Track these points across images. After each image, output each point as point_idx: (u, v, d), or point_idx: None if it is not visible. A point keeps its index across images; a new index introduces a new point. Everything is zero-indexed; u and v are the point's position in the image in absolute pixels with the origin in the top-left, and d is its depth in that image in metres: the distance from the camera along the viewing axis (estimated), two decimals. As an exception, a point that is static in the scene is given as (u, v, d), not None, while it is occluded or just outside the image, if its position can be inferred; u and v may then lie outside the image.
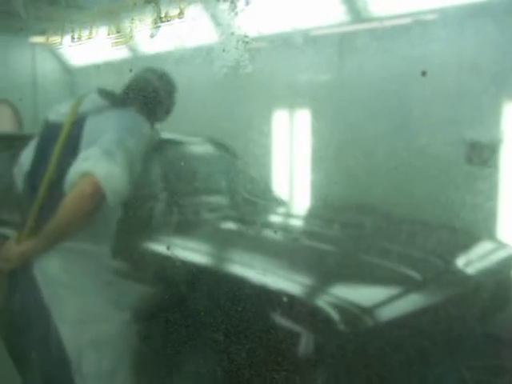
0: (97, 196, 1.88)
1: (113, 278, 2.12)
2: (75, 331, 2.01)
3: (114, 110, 2.12)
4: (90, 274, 2.05)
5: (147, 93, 2.20)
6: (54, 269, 2.02)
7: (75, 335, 2.01)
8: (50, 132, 2.15)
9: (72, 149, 2.01)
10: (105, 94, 2.17)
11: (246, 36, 2.19)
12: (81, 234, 1.99)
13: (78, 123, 2.07)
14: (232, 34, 2.20)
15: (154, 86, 2.22)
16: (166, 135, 2.51)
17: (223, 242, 2.60)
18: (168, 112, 2.29)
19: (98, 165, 1.89)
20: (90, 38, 3.90)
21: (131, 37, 3.36)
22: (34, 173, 2.12)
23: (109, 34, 3.70)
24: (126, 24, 3.24)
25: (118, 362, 2.06)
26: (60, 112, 2.16)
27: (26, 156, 2.21)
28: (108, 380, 2.05)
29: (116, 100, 2.16)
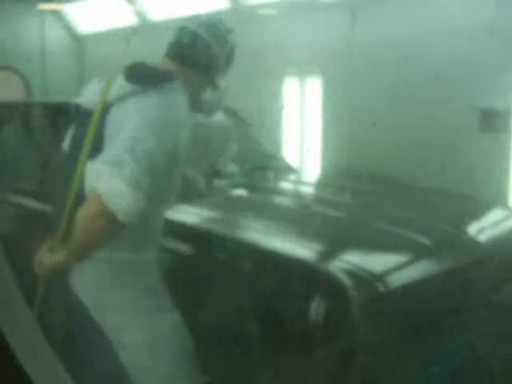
0: (105, 217, 1.62)
1: (155, 285, 1.87)
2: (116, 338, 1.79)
3: (140, 97, 1.71)
4: (130, 283, 1.82)
5: (196, 50, 1.78)
6: (91, 280, 1.80)
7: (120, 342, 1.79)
8: (82, 119, 1.82)
9: (98, 146, 1.72)
10: (135, 73, 1.75)
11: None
12: (118, 243, 1.73)
13: (104, 113, 1.74)
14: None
15: (214, 51, 1.81)
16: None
17: (234, 208, 2.60)
18: (228, 66, 1.89)
19: (102, 180, 1.62)
20: None
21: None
22: (69, 163, 1.83)
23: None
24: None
25: (174, 364, 1.85)
26: (89, 98, 1.81)
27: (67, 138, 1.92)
28: None
29: (147, 81, 1.73)
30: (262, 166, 3.16)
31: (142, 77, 1.73)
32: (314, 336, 1.88)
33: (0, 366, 0.78)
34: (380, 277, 2.03)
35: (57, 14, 6.31)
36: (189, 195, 2.24)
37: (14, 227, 2.78)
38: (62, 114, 2.23)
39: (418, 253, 2.23)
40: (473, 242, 2.40)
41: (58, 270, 1.80)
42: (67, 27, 6.40)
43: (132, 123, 1.67)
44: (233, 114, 3.22)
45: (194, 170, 2.27)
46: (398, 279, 2.06)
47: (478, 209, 2.76)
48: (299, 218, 2.49)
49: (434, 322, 2.00)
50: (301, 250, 2.15)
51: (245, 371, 1.94)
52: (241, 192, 2.81)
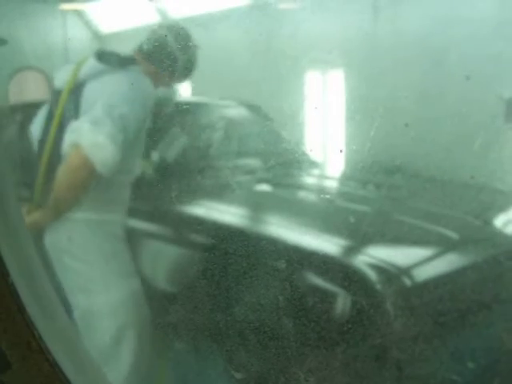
0: (85, 167, 1.85)
1: (121, 247, 2.08)
2: (83, 300, 1.98)
3: (111, 74, 2.02)
4: (98, 243, 2.03)
5: (160, 51, 2.09)
6: (61, 239, 2.01)
7: (83, 304, 1.97)
8: (55, 99, 2.12)
9: (71, 118, 1.99)
10: (103, 56, 2.06)
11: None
12: (88, 203, 1.98)
13: (76, 90, 2.02)
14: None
15: (168, 44, 2.08)
16: (199, 99, 2.50)
17: (258, 204, 2.60)
18: (187, 71, 2.14)
19: (84, 135, 1.87)
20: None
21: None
22: (44, 141, 2.12)
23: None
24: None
25: (125, 330, 2.04)
26: (62, 78, 2.10)
27: (37, 124, 2.20)
28: (113, 348, 2.03)
29: (116, 62, 2.05)
30: (285, 161, 3.16)
31: (111, 59, 2.04)
32: (343, 331, 1.88)
33: (35, 360, 0.79)
34: (406, 271, 2.02)
35: (79, 14, 6.36)
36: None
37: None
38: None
39: (444, 246, 2.21)
40: (500, 235, 2.37)
41: (34, 229, 1.98)
42: (89, 26, 6.44)
43: (107, 94, 1.95)
44: (255, 109, 3.22)
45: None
46: (425, 273, 2.05)
47: (505, 201, 2.73)
48: (324, 213, 2.48)
49: (459, 316, 1.99)
50: (326, 244, 2.14)
51: (279, 368, 1.95)
52: (264, 187, 2.81)
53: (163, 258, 2.37)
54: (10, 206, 0.89)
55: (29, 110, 3.50)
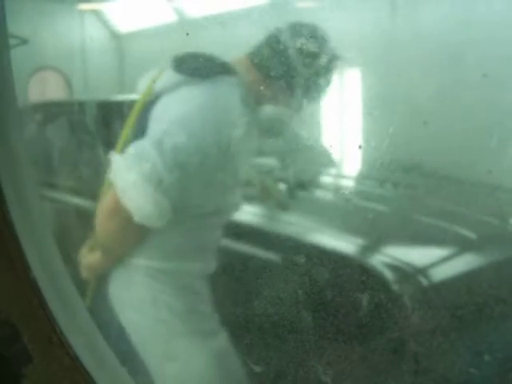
0: (118, 213, 1.46)
1: (200, 300, 1.70)
2: (163, 366, 1.63)
3: (188, 86, 1.53)
4: (168, 298, 1.62)
5: (279, 58, 1.53)
6: (123, 290, 1.63)
7: (166, 371, 1.62)
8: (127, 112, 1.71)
9: (137, 138, 1.57)
10: (183, 63, 1.57)
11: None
12: (153, 249, 1.58)
13: (150, 103, 1.58)
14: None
15: (296, 70, 1.51)
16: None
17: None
18: (315, 90, 1.58)
19: (119, 171, 1.45)
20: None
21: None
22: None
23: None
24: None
25: None
26: (140, 91, 1.66)
27: None
28: None
29: (198, 71, 1.54)
30: (303, 159, 3.16)
31: (192, 67, 1.56)
32: (361, 324, 1.88)
33: (56, 355, 0.80)
34: (423, 270, 2.01)
35: (96, 14, 6.40)
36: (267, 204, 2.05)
37: (61, 223, 2.84)
38: (113, 113, 2.26)
39: (462, 246, 2.21)
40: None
41: (93, 272, 1.66)
42: (107, 26, 6.48)
43: (168, 115, 1.52)
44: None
45: (270, 179, 2.04)
46: (442, 273, 2.04)
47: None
48: (341, 212, 2.48)
49: (478, 316, 1.98)
50: (342, 244, 2.15)
51: (297, 361, 1.95)
52: (281, 187, 2.81)
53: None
54: (31, 204, 0.90)
55: (48, 109, 3.54)
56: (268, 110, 1.66)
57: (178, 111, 1.53)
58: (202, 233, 1.68)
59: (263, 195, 2.01)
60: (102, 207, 1.55)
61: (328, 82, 1.62)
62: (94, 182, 2.71)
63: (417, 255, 2.11)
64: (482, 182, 2.78)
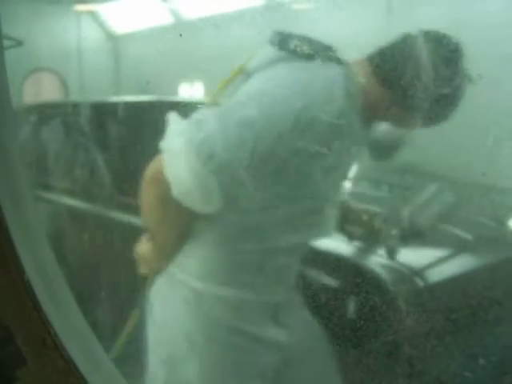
0: (156, 182, 1.25)
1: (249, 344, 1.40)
2: None
3: (282, 63, 1.27)
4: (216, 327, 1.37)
5: (402, 70, 1.27)
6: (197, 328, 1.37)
7: None
8: None
9: None
10: (287, 41, 1.30)
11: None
12: (232, 277, 1.33)
13: (239, 83, 1.34)
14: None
15: (414, 58, 1.27)
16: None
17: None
18: (441, 110, 1.30)
19: (171, 137, 1.24)
20: None
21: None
22: None
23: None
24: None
25: None
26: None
27: None
28: None
29: (301, 49, 1.29)
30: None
31: (298, 44, 1.30)
32: (356, 327, 1.88)
33: (50, 357, 0.80)
34: (419, 272, 2.01)
35: (93, 15, 6.39)
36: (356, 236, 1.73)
37: (56, 224, 2.83)
38: (107, 114, 2.24)
39: (458, 247, 2.21)
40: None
41: (149, 263, 1.46)
42: (103, 27, 6.47)
43: (247, 87, 1.28)
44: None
45: (381, 217, 1.70)
46: (438, 274, 2.04)
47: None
48: (337, 214, 2.48)
49: (474, 318, 1.98)
50: (337, 245, 2.14)
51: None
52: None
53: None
54: (26, 206, 0.90)
55: (43, 110, 3.53)
56: (382, 127, 1.42)
57: (260, 84, 1.28)
58: (264, 257, 1.35)
59: (367, 234, 1.66)
60: (145, 174, 1.31)
61: (455, 103, 1.33)
62: (88, 183, 2.71)
63: (413, 257, 2.11)
64: (477, 183, 2.78)
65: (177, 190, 1.22)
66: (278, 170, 1.26)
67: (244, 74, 1.36)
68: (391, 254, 1.82)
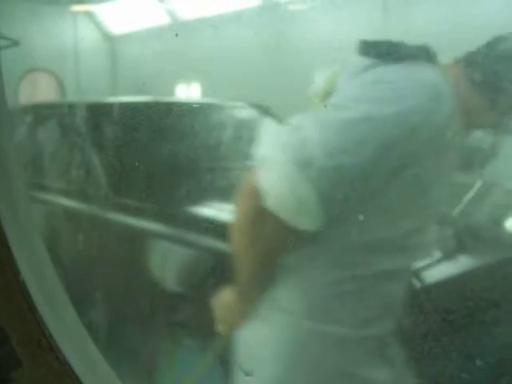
0: (249, 194, 1.14)
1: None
2: None
3: (379, 68, 1.17)
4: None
5: (488, 70, 1.20)
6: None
7: None
8: None
9: None
10: (374, 47, 1.21)
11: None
12: (335, 311, 1.18)
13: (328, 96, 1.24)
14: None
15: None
16: (209, 100, 2.49)
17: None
18: None
19: (265, 144, 1.13)
20: None
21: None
22: None
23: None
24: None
25: None
26: (314, 90, 1.32)
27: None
28: None
29: (392, 54, 1.19)
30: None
31: (386, 49, 1.21)
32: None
33: (45, 359, 0.80)
34: (416, 273, 2.01)
35: (89, 15, 6.39)
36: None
37: (51, 225, 2.82)
38: (103, 115, 2.23)
39: (455, 248, 2.21)
40: (510, 235, 2.37)
41: (232, 313, 1.31)
42: (99, 27, 6.47)
43: (342, 92, 1.19)
44: (265, 110, 3.22)
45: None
46: (434, 275, 2.04)
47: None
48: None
49: (474, 314, 1.98)
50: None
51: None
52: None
53: (173, 258, 2.37)
54: (21, 206, 0.89)
55: (39, 111, 3.52)
56: (477, 135, 1.30)
57: (356, 87, 1.19)
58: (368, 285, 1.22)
59: None
60: (240, 186, 1.19)
61: None
62: (84, 183, 2.70)
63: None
64: (474, 184, 2.79)
65: (272, 201, 1.10)
66: (382, 179, 1.14)
67: (335, 85, 1.27)
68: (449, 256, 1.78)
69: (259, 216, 1.14)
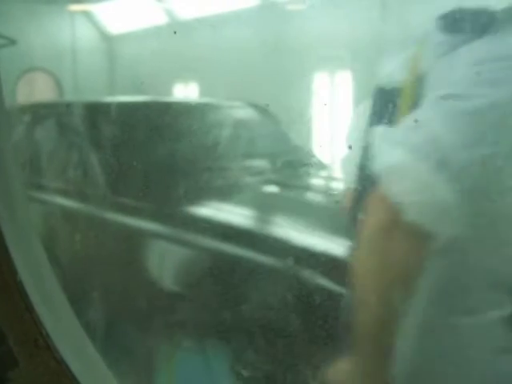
0: (380, 212, 1.01)
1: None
2: None
3: (466, 45, 1.04)
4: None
5: None
6: None
7: None
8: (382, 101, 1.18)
9: None
10: (456, 22, 1.08)
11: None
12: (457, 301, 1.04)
13: (418, 84, 1.10)
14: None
15: None
16: (207, 99, 2.49)
17: (265, 205, 2.60)
18: None
19: (390, 154, 1.01)
20: None
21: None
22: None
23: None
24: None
25: None
26: (394, 77, 1.17)
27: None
28: None
29: (474, 23, 1.05)
30: (293, 162, 3.16)
31: (469, 20, 1.07)
32: (351, 331, 1.87)
33: (42, 358, 0.80)
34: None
35: (87, 15, 6.38)
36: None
37: (49, 225, 2.82)
38: (101, 114, 2.24)
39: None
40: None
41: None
42: (97, 27, 6.46)
43: (446, 80, 1.06)
44: (263, 110, 3.22)
45: None
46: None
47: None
48: (330, 214, 2.48)
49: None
50: (332, 246, 2.14)
51: (286, 365, 1.95)
52: (272, 189, 2.80)
53: (171, 258, 2.37)
54: (19, 206, 0.89)
55: (36, 110, 3.52)
56: None
57: (462, 69, 1.04)
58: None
59: None
60: (368, 219, 1.04)
61: None
62: (82, 183, 2.70)
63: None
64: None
65: (411, 213, 0.98)
66: None
67: (421, 70, 1.13)
68: None
69: (394, 233, 1.02)
